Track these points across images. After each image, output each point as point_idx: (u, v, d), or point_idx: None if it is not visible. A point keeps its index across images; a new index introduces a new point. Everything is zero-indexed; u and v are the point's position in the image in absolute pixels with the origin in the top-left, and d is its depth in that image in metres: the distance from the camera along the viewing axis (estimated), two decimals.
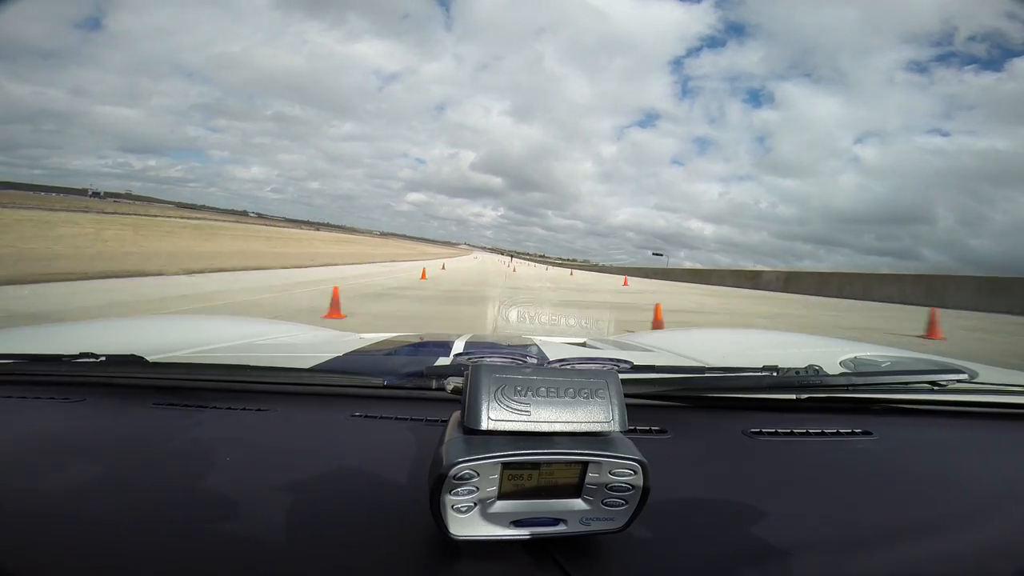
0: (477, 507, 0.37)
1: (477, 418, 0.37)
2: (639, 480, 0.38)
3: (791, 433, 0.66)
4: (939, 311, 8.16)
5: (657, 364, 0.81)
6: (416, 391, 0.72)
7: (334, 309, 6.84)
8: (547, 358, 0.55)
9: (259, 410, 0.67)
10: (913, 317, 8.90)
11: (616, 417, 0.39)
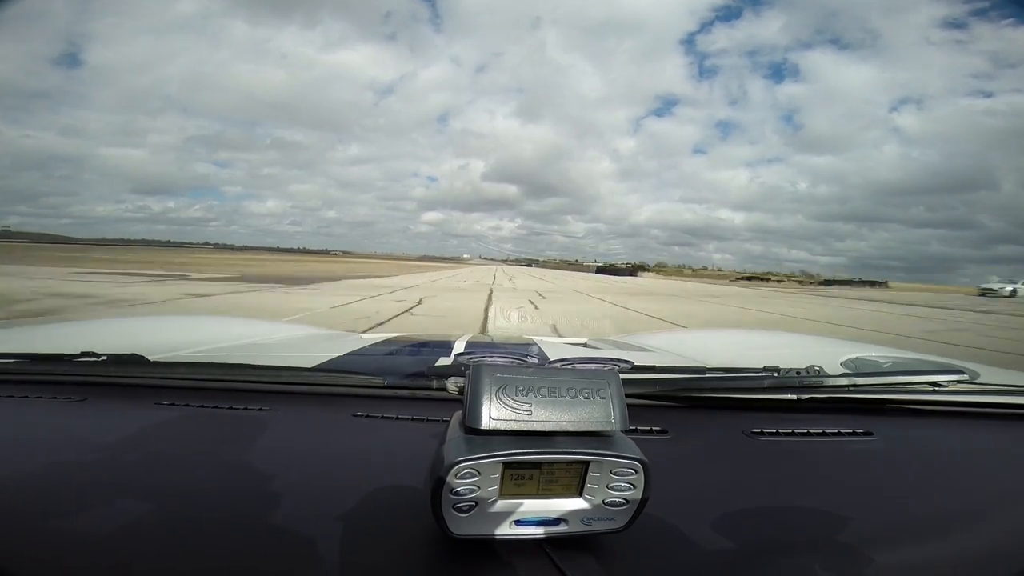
0: (478, 506, 0.37)
1: (478, 418, 0.37)
2: (640, 480, 0.38)
3: (792, 433, 0.66)
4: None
5: (658, 364, 0.81)
6: (417, 391, 0.72)
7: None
8: (548, 358, 0.55)
9: (261, 410, 0.67)
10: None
11: (617, 417, 0.39)
